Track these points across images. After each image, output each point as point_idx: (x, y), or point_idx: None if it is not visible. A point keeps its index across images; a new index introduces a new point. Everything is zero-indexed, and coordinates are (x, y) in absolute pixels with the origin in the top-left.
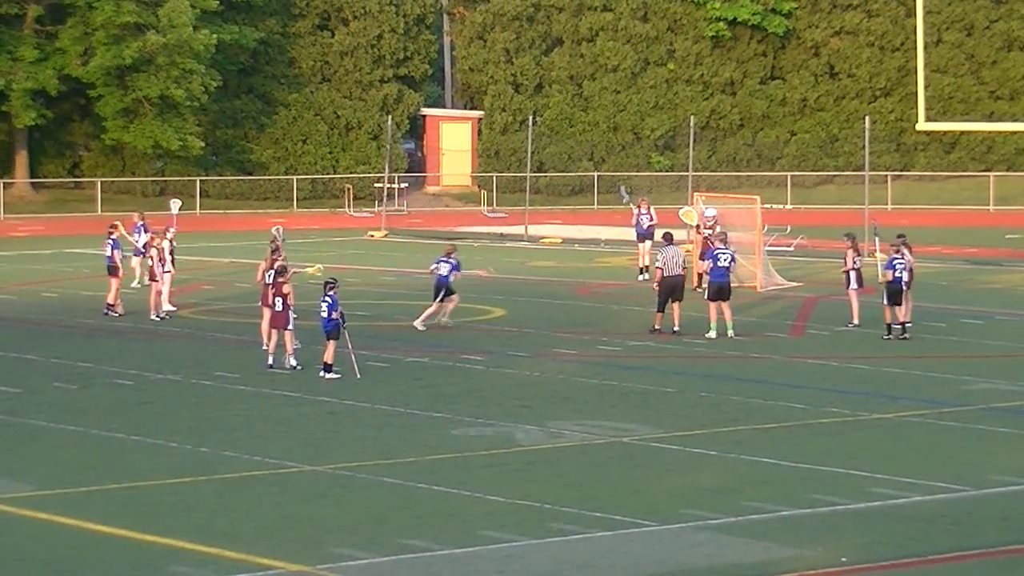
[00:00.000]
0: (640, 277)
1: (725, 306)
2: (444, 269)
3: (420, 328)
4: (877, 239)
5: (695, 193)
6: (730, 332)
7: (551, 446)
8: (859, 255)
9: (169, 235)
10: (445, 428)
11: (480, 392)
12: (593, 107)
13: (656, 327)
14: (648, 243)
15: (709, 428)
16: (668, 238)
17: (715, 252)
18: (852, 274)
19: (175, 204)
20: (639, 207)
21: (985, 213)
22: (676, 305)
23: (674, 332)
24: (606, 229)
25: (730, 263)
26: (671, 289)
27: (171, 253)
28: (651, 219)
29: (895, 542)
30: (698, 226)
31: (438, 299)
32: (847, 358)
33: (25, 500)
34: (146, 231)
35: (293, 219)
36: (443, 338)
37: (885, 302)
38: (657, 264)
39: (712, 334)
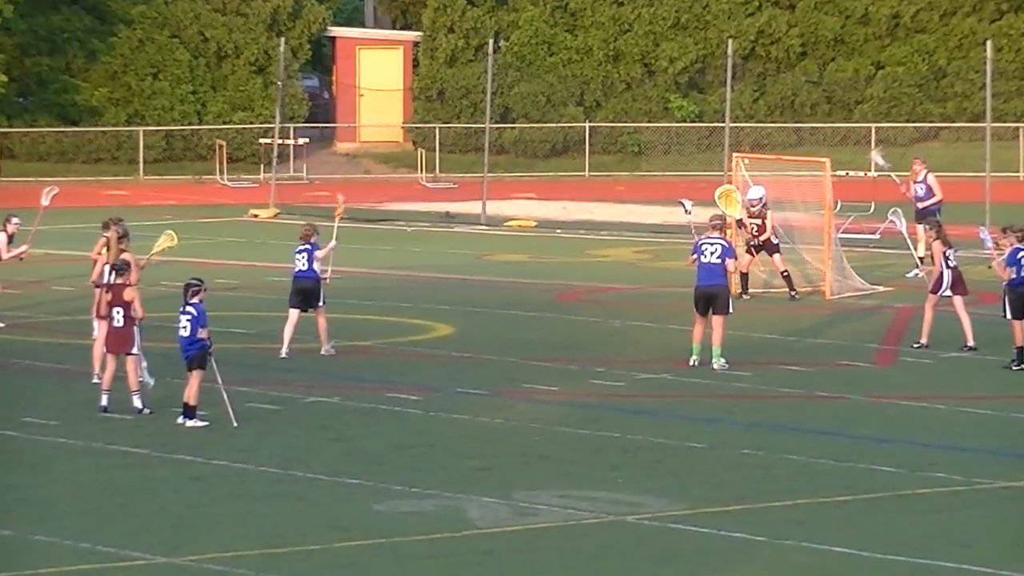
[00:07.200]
0: (912, 274)
1: (717, 322)
2: None
3: None
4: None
5: (734, 154)
6: (718, 362)
7: (520, 528)
8: (950, 247)
9: (10, 227)
10: (364, 501)
11: (416, 448)
12: (584, 26)
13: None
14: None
15: (755, 502)
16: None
17: (700, 244)
18: (946, 274)
19: (48, 193)
20: (912, 171)
21: None
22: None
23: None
24: (611, 206)
25: (722, 259)
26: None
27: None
28: (927, 188)
29: None
30: (740, 221)
31: None
32: (959, 398)
33: None
34: None
35: (139, 190)
36: (362, 368)
37: (1008, 315)
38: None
39: (695, 360)
